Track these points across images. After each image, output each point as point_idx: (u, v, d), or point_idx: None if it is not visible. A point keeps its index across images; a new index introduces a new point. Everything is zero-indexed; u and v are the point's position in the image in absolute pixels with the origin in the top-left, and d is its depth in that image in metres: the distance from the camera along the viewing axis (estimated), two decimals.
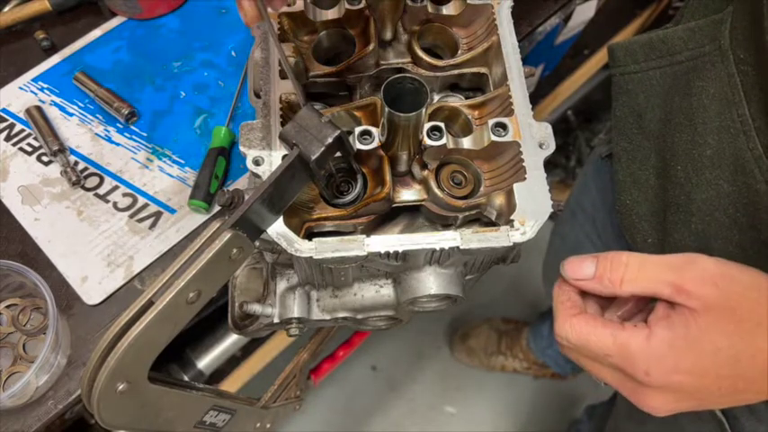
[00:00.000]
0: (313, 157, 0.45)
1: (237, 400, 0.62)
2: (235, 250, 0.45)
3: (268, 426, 0.72)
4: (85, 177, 0.81)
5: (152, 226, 0.79)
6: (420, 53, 0.59)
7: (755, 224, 0.55)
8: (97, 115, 0.86)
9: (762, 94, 0.52)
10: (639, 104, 0.68)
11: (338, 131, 0.45)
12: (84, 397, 0.43)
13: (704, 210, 0.59)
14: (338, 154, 0.48)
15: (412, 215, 0.59)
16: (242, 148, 0.52)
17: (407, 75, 0.47)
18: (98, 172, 0.82)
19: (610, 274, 0.45)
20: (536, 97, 1.77)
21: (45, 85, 0.87)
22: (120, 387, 0.43)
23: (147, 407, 0.47)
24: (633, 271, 0.44)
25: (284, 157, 0.51)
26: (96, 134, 0.84)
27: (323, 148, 0.45)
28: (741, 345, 0.42)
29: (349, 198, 0.54)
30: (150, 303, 0.43)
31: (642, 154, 0.69)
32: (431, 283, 0.54)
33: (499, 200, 0.52)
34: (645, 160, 0.68)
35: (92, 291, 0.75)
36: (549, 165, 0.52)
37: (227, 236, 0.44)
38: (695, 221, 0.60)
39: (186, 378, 1.24)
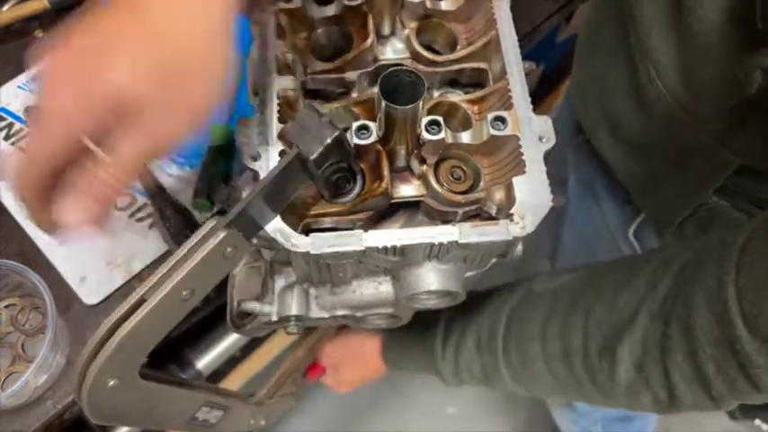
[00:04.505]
0: (311, 157, 0.44)
1: (231, 396, 0.61)
2: (229, 249, 0.45)
3: (262, 422, 0.71)
4: None
5: (152, 226, 0.78)
6: (419, 49, 0.59)
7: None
8: None
9: None
10: None
11: (337, 131, 0.45)
12: (75, 393, 0.43)
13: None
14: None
15: (411, 212, 0.58)
16: (239, 144, 0.52)
17: (404, 67, 0.47)
18: None
19: None
20: (536, 96, 1.76)
21: None
22: (111, 383, 0.42)
23: (139, 403, 0.46)
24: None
25: (281, 153, 0.51)
26: None
27: (321, 148, 0.44)
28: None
29: (348, 196, 0.54)
30: (142, 301, 0.42)
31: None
32: (430, 278, 0.54)
33: (499, 195, 0.51)
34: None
35: (91, 291, 0.74)
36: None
37: (221, 235, 0.44)
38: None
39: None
